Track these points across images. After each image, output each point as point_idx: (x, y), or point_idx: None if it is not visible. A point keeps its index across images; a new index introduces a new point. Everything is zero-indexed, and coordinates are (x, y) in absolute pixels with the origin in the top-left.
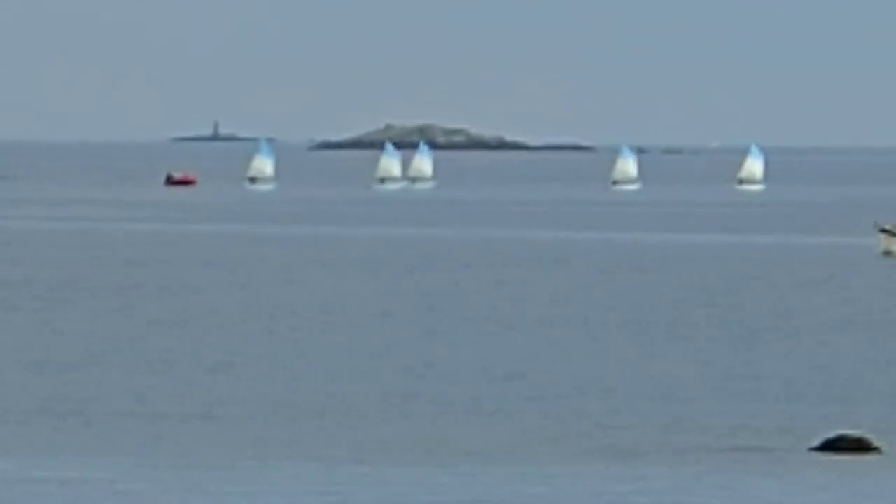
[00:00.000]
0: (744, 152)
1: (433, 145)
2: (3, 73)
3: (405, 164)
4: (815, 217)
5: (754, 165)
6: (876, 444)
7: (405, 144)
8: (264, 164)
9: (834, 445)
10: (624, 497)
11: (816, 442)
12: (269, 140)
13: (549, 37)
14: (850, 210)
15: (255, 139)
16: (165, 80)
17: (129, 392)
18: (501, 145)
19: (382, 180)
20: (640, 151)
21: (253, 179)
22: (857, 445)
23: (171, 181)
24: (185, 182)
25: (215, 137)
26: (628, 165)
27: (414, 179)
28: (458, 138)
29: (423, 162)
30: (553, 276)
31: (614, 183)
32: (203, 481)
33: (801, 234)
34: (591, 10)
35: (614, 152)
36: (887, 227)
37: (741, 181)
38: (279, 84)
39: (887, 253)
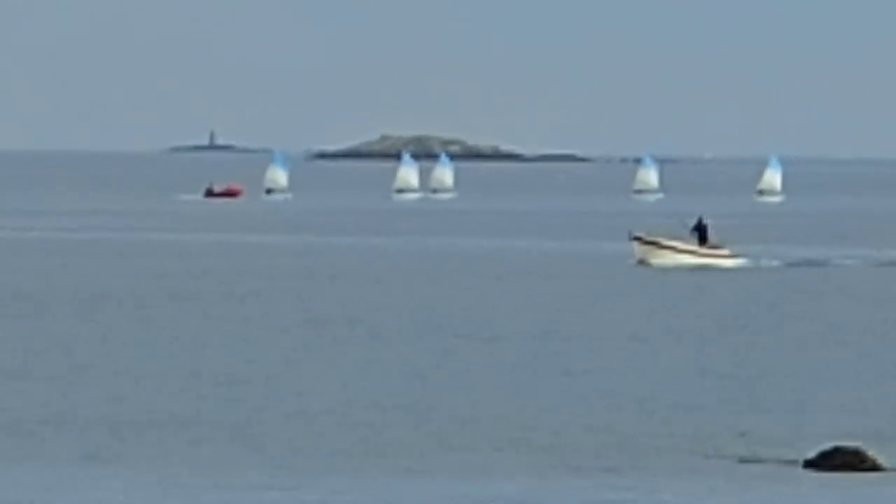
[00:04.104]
0: (737, 163)
1: (429, 155)
2: None
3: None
4: (839, 227)
5: (773, 176)
6: (872, 456)
7: (401, 155)
8: (278, 175)
9: (829, 459)
10: None
11: (812, 454)
12: (267, 150)
13: (543, 48)
14: (871, 220)
15: (253, 150)
16: (160, 89)
17: (164, 403)
18: (497, 155)
19: (401, 191)
20: (636, 161)
21: (269, 191)
22: (854, 458)
23: (211, 194)
24: (229, 194)
25: (212, 146)
26: (649, 175)
27: (434, 190)
28: (454, 148)
29: (444, 173)
30: (593, 287)
31: (637, 192)
32: (235, 496)
33: (827, 245)
34: (584, 22)
35: (610, 163)
36: (641, 235)
37: (761, 192)
38: (275, 93)
39: (642, 262)
